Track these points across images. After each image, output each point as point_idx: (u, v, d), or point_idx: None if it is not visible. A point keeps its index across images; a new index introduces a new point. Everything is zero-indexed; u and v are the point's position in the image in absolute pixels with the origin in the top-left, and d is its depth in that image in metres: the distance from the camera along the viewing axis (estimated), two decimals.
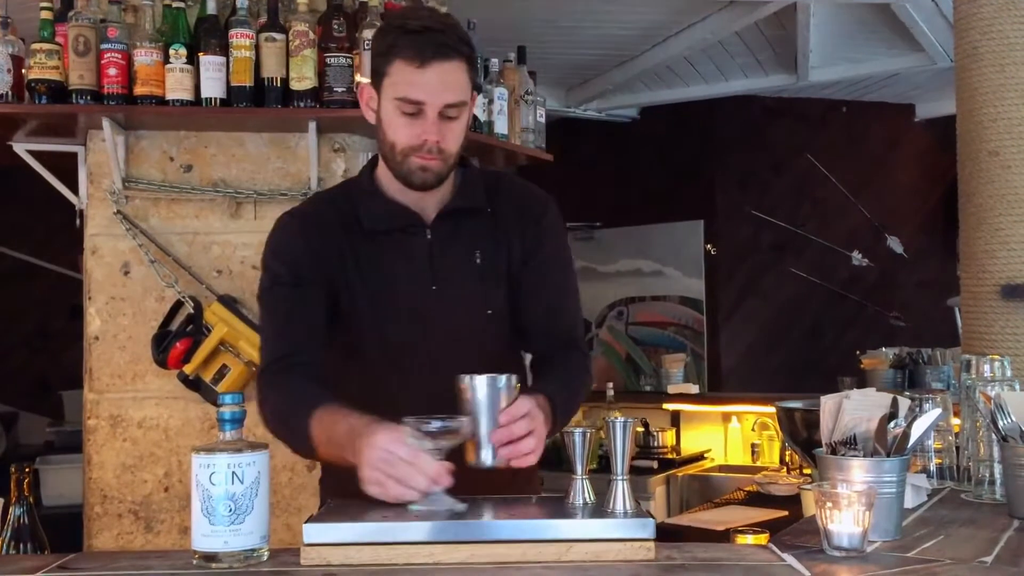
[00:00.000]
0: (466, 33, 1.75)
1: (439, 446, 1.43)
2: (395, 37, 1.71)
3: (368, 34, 2.85)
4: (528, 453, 1.53)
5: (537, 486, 1.96)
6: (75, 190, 3.09)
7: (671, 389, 5.07)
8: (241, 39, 2.81)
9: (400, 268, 1.81)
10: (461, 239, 1.83)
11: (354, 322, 1.81)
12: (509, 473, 1.57)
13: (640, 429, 4.72)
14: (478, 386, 1.52)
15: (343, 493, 1.59)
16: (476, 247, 1.83)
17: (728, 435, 4.89)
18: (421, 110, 1.70)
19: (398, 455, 1.43)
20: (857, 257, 5.81)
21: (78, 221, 3.09)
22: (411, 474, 1.43)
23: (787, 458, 4.20)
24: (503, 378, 1.53)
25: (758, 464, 4.52)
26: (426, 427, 1.42)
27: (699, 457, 4.79)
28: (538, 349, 1.90)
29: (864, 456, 1.51)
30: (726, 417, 4.90)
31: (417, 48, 1.67)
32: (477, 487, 1.51)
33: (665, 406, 4.97)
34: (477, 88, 2.12)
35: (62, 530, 1.89)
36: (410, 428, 1.43)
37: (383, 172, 1.84)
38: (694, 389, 5.14)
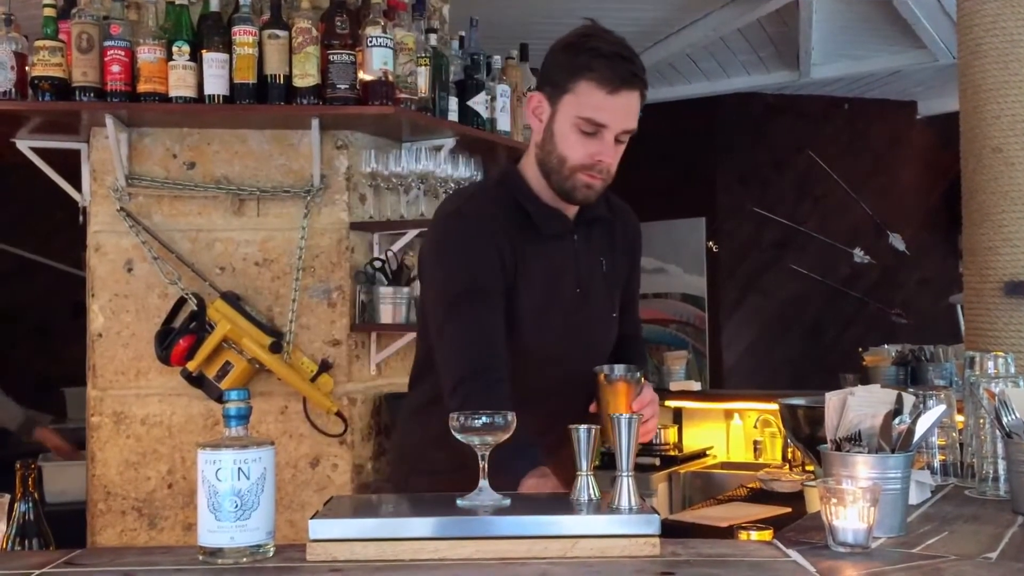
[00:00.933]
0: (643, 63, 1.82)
1: (484, 441, 1.44)
2: (588, 58, 1.74)
3: (371, 31, 2.85)
4: (650, 431, 1.82)
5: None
6: (78, 187, 3.10)
7: (673, 386, 5.05)
8: (244, 36, 2.81)
9: (555, 271, 1.86)
10: (593, 246, 1.94)
11: (513, 323, 1.80)
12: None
13: None
14: (616, 377, 1.77)
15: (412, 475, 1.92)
16: (601, 254, 1.95)
17: (730, 432, 4.89)
18: (600, 132, 1.76)
19: None
20: (859, 254, 5.81)
21: (81, 218, 3.09)
22: None
23: (789, 455, 4.20)
24: (636, 371, 1.77)
25: (760, 461, 4.51)
26: (472, 422, 1.43)
27: (701, 454, 4.78)
28: (621, 334, 2.04)
29: (869, 452, 1.51)
30: (728, 414, 4.89)
31: (611, 73, 1.73)
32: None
33: (667, 403, 4.95)
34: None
35: (65, 527, 1.88)
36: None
37: (533, 178, 1.86)
38: (696, 386, 5.12)
